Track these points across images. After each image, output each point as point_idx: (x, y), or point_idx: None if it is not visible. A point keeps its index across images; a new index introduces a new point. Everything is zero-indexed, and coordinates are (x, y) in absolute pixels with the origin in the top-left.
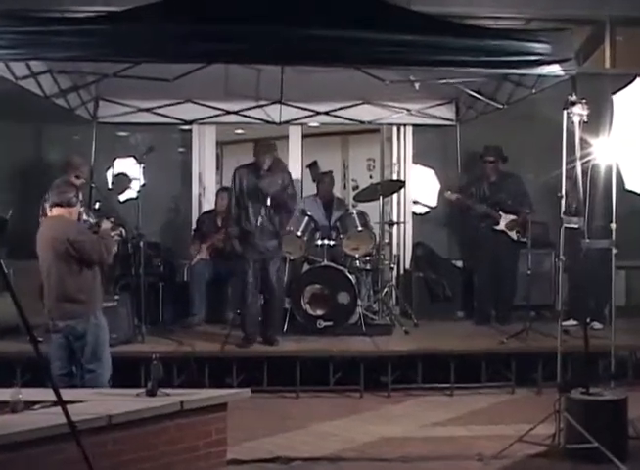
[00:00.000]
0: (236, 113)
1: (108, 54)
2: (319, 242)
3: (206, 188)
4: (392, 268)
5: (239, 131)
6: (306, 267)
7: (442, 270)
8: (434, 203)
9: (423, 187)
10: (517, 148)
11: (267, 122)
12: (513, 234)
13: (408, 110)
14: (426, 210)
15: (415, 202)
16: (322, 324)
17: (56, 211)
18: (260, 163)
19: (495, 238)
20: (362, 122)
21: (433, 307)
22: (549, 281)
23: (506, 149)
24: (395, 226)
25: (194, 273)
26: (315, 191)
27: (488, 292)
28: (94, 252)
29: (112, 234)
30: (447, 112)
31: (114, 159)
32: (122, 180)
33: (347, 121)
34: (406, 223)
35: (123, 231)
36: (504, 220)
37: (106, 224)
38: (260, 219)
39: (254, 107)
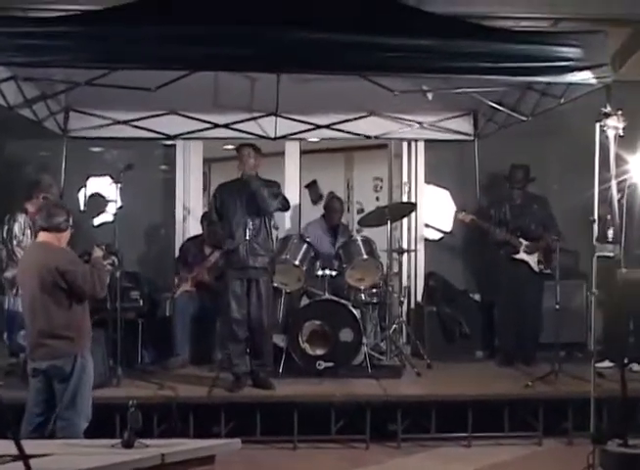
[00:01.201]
0: (226, 126)
1: (80, 59)
2: (319, 272)
3: (192, 211)
4: (402, 302)
5: (229, 147)
6: (305, 301)
7: (459, 304)
8: (448, 227)
9: (436, 210)
10: (542, 166)
11: (261, 137)
12: (534, 264)
13: (420, 123)
14: (439, 235)
15: (427, 226)
16: (322, 365)
17: (43, 237)
18: (243, 163)
19: (515, 268)
20: (368, 137)
21: (448, 346)
22: (580, 317)
23: (530, 166)
24: (405, 254)
25: (177, 307)
26: (318, 214)
27: (511, 329)
28: (86, 284)
29: (104, 263)
30: (464, 125)
31: (88, 178)
32: (97, 202)
33: (351, 136)
34: (417, 251)
35: (116, 260)
36: (525, 248)
37: (97, 252)
38: (247, 232)
39: (247, 120)
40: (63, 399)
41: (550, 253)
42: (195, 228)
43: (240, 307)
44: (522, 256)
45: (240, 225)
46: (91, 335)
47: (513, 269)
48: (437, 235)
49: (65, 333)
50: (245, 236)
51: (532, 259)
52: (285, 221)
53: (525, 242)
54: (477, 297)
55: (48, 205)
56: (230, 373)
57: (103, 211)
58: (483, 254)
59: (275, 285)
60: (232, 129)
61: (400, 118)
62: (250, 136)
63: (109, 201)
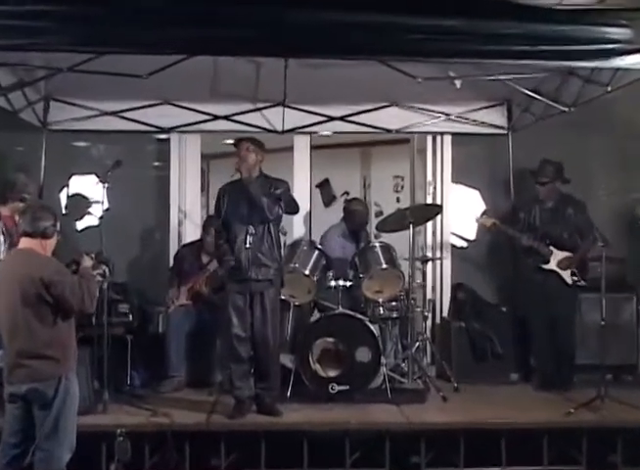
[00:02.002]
0: (226, 118)
1: (61, 42)
2: (332, 283)
3: (189, 214)
4: (426, 317)
5: (229, 142)
6: (316, 315)
7: (490, 319)
8: (474, 233)
9: (465, 213)
10: (586, 163)
11: (267, 131)
12: (567, 276)
13: (447, 114)
14: (466, 242)
15: (454, 234)
16: (336, 389)
17: (26, 243)
18: (242, 160)
19: (545, 279)
20: (388, 131)
21: (478, 367)
22: (629, 334)
23: (572, 163)
24: (430, 263)
25: (172, 323)
26: (331, 217)
27: (547, 347)
28: (74, 297)
29: (94, 274)
30: (497, 117)
31: (70, 176)
32: (80, 203)
33: (369, 129)
34: (443, 259)
35: (107, 270)
36: (555, 258)
37: (86, 261)
38: (250, 238)
39: (250, 111)
40: (43, 427)
41: (586, 263)
42: (192, 233)
43: (242, 323)
44: (551, 266)
45: (241, 232)
46: (77, 355)
47: (542, 280)
48: (464, 242)
49: (48, 352)
50: (245, 244)
51: (564, 271)
52: (293, 225)
53: (555, 250)
54: (507, 310)
55: (33, 207)
56: (231, 397)
57: (87, 214)
58: (513, 262)
59: (282, 297)
60: (233, 121)
61: (424, 109)
62: (254, 129)
63: (94, 202)
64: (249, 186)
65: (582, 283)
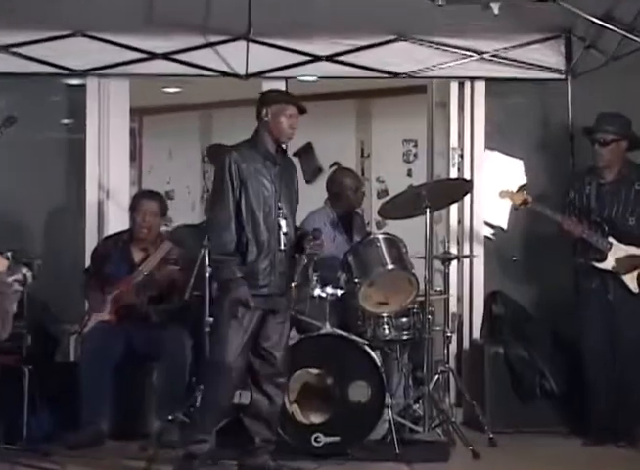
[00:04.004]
0: (166, 57)
1: None
2: (317, 291)
3: (113, 192)
4: (449, 338)
5: (171, 90)
6: (294, 337)
7: (540, 343)
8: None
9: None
10: None
11: (223, 75)
12: (631, 280)
13: (479, 52)
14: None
15: (489, 225)
16: (322, 440)
17: None
18: (278, 121)
19: (601, 285)
20: (395, 75)
21: (523, 411)
22: None
23: None
24: (455, 263)
25: (88, 348)
26: (316, 198)
27: (606, 384)
28: None
29: (9, 281)
30: (550, 55)
31: None
32: None
33: (368, 73)
34: (474, 258)
35: (28, 275)
36: (615, 254)
37: None
38: (284, 238)
39: (200, 47)
40: None
41: None
42: (119, 220)
43: (241, 352)
44: (609, 265)
45: (269, 224)
46: None
47: (597, 287)
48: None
49: None
50: (279, 244)
51: (628, 274)
52: None
53: (615, 243)
54: (562, 330)
55: None
56: (177, 452)
57: None
58: (560, 260)
59: None
60: (176, 62)
61: (446, 45)
62: (205, 73)
63: None
64: (285, 157)
65: None
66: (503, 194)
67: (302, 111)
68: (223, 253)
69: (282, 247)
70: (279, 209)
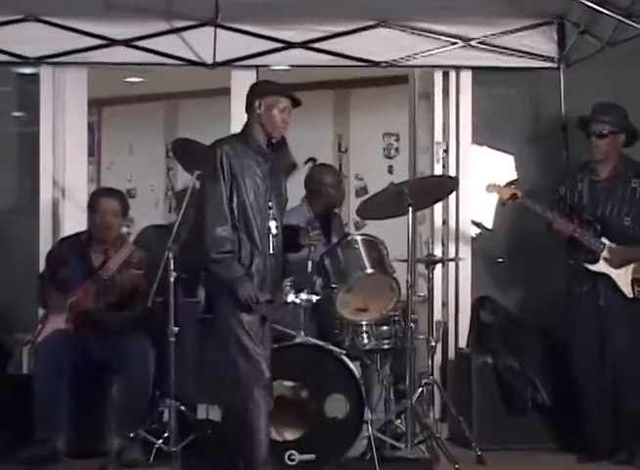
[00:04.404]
0: (128, 44)
1: None
2: (290, 297)
3: (70, 190)
4: (433, 347)
5: (133, 80)
6: None
7: (531, 352)
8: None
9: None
10: None
11: (190, 63)
12: (625, 284)
13: (465, 39)
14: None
15: (476, 223)
16: (296, 459)
17: None
18: (270, 114)
19: (592, 288)
20: (375, 64)
21: (513, 425)
22: None
23: None
24: (439, 267)
25: (42, 359)
26: (299, 199)
27: (597, 396)
28: None
29: None
30: (542, 42)
31: None
32: None
33: (346, 62)
34: (460, 261)
35: None
36: (609, 255)
37: None
38: (271, 240)
39: (164, 33)
40: None
41: None
42: (76, 221)
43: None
44: (602, 267)
45: (260, 224)
46: None
47: (589, 290)
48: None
49: None
50: (268, 248)
51: (621, 276)
52: None
53: (608, 243)
54: (555, 337)
55: None
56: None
57: None
58: (552, 262)
59: None
60: (138, 49)
61: (431, 31)
62: (169, 61)
63: None
64: (283, 150)
65: None
66: (490, 188)
67: (297, 104)
68: (220, 251)
69: (271, 251)
70: (269, 209)
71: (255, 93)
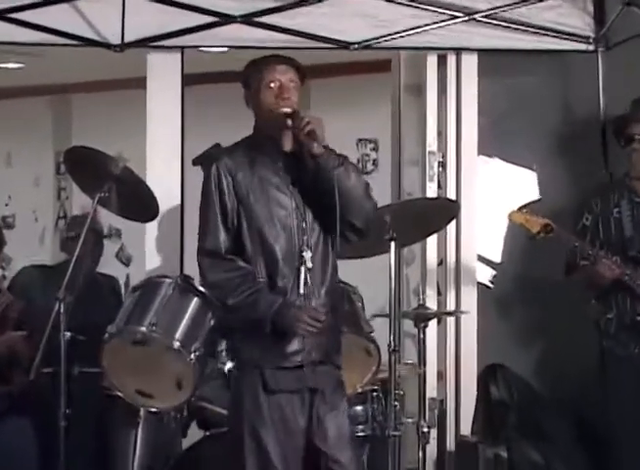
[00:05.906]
0: (7, 19)
1: None
2: (229, 366)
3: None
4: (426, 435)
5: (9, 66)
6: (195, 434)
7: (559, 440)
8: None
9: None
10: None
11: (89, 43)
12: None
13: (469, 12)
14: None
15: (483, 260)
16: None
17: None
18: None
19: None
20: (345, 46)
21: None
22: None
23: None
24: (434, 324)
25: None
26: None
27: None
28: None
29: None
30: (574, 16)
31: None
32: None
33: (304, 42)
34: (462, 315)
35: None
36: None
37: None
38: (303, 275)
39: (53, 2)
40: None
41: None
42: None
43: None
44: None
45: (288, 259)
46: None
47: (633, 350)
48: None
49: None
50: (298, 288)
51: None
52: (145, 242)
53: None
54: (589, 419)
55: None
56: None
57: None
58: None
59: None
60: (15, 24)
61: (422, 1)
62: (60, 41)
63: None
64: (312, 152)
65: None
66: (515, 216)
67: (292, 65)
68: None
69: (302, 290)
70: (303, 234)
71: (243, 82)
